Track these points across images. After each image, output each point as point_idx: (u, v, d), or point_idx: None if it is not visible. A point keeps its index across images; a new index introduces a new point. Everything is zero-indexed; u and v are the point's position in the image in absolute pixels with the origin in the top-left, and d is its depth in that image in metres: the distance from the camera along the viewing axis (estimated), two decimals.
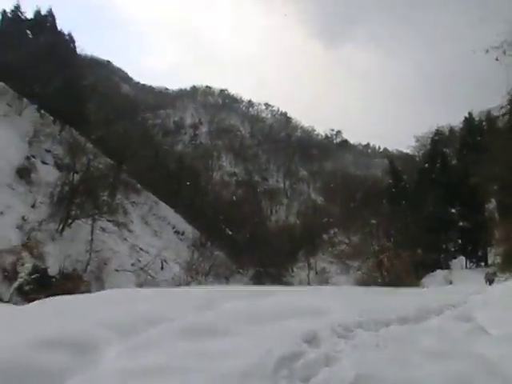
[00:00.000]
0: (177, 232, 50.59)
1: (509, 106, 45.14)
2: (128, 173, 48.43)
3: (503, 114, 45.13)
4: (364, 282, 28.99)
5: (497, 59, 17.03)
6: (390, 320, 7.14)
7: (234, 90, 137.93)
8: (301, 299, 8.51)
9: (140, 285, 29.88)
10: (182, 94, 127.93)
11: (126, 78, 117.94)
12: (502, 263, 39.83)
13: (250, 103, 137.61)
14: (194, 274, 36.88)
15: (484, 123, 54.39)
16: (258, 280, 56.21)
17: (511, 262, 36.13)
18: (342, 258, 52.55)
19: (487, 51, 16.93)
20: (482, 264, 47.56)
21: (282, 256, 61.61)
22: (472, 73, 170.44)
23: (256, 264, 57.20)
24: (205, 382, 3.21)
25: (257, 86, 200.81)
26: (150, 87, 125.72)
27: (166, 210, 52.56)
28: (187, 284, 33.05)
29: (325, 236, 69.70)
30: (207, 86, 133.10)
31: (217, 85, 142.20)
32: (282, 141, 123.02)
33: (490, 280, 32.46)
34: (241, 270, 54.61)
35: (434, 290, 20.06)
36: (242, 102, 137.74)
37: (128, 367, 3.43)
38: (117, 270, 32.89)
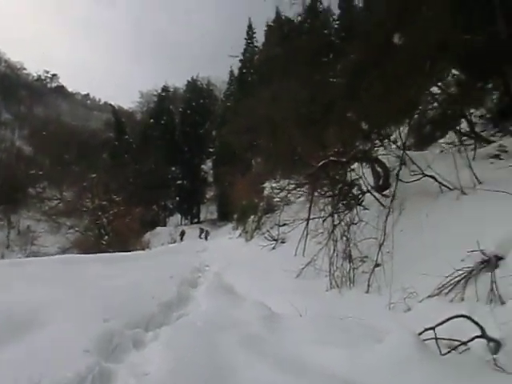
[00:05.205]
0: None
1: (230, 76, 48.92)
2: None
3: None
4: (83, 244, 25.04)
5: None
6: (153, 313, 4.46)
7: None
8: None
9: None
10: None
11: None
12: (218, 218, 43.54)
13: None
14: None
15: (205, 88, 57.16)
16: None
17: (225, 216, 39.39)
18: (52, 216, 46.09)
19: None
20: (196, 220, 50.53)
21: None
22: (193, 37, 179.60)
23: None
24: None
25: None
26: None
27: None
28: None
29: (31, 190, 60.14)
30: None
31: None
32: None
33: (205, 236, 34.25)
34: None
35: (166, 250, 18.48)
36: None
37: None
38: None
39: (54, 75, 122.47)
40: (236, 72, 46.07)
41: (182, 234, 36.83)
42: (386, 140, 9.13)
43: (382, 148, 9.07)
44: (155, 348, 3.24)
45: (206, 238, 33.18)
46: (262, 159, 21.21)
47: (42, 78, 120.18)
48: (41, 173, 62.67)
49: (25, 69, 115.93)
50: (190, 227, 44.26)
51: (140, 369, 2.82)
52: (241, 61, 42.15)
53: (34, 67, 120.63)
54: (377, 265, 5.88)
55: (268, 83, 14.58)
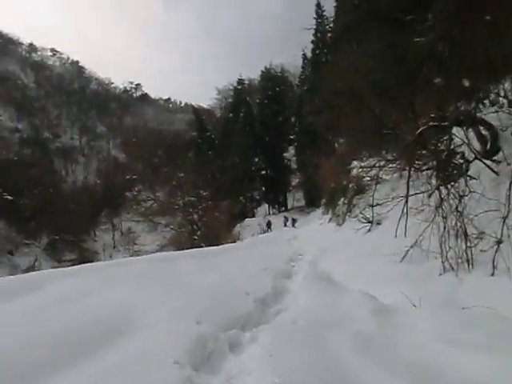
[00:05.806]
0: None
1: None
2: None
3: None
4: (178, 241, 26.09)
5: None
6: (248, 311, 4.12)
7: (7, 29, 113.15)
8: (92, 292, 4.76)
9: None
10: None
11: None
12: (305, 204, 43.06)
13: (32, 47, 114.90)
14: None
15: (280, 75, 56.53)
16: (53, 250, 48.91)
17: (312, 202, 38.79)
18: (148, 216, 48.82)
19: None
20: (283, 209, 50.40)
21: (82, 219, 54.49)
22: (263, 31, 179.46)
23: (50, 232, 49.30)
24: None
25: (39, 27, 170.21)
26: None
27: None
28: None
29: (128, 194, 64.43)
30: None
31: None
32: (75, 93, 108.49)
33: (293, 223, 34.02)
34: (28, 241, 46.00)
35: (256, 240, 18.43)
36: (21, 44, 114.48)
37: None
38: None
39: (137, 85, 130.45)
40: (309, 55, 44.92)
41: (269, 224, 36.72)
42: (491, 97, 7.90)
43: (484, 107, 7.86)
44: (255, 352, 2.86)
45: (293, 226, 32.91)
46: (345, 138, 20.20)
47: (128, 89, 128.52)
48: (135, 177, 66.72)
49: (112, 83, 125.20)
50: (277, 216, 44.26)
51: (239, 381, 2.45)
52: (312, 42, 40.88)
53: (119, 80, 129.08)
54: (499, 241, 4.97)
55: (346, 53, 13.59)
